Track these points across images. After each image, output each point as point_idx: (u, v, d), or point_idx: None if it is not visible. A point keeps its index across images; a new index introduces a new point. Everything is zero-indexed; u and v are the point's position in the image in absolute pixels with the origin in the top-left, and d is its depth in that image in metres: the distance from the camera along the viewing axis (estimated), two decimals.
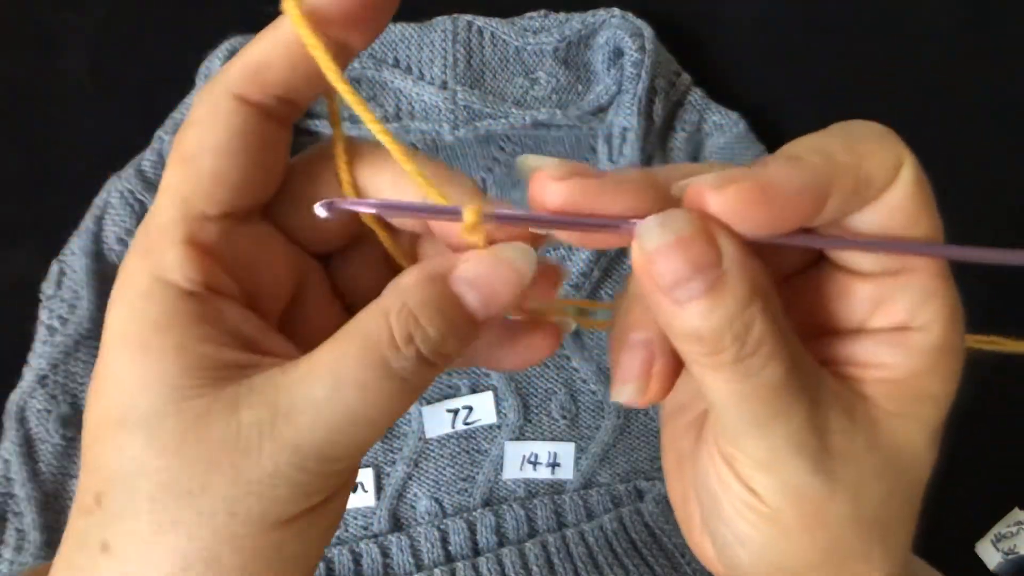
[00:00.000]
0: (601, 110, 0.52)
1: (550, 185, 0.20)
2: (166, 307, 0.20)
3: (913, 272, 0.20)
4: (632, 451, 0.51)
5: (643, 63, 0.50)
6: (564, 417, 0.51)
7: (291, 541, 0.20)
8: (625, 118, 0.50)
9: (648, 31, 0.50)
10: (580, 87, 0.52)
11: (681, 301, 0.19)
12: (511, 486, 0.50)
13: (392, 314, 0.20)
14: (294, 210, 0.23)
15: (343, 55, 0.21)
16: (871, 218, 0.20)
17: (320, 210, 0.21)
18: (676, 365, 0.22)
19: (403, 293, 0.20)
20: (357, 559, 0.48)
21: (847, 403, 0.21)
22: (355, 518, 0.49)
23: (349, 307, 0.25)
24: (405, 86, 0.50)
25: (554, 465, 0.50)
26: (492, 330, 0.24)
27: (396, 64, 0.51)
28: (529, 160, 0.21)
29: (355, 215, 0.23)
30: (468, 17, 0.51)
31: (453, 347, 0.21)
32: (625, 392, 0.22)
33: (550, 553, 0.47)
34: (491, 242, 0.21)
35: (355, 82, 0.51)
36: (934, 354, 0.20)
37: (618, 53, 0.51)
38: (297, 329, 0.24)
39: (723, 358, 0.19)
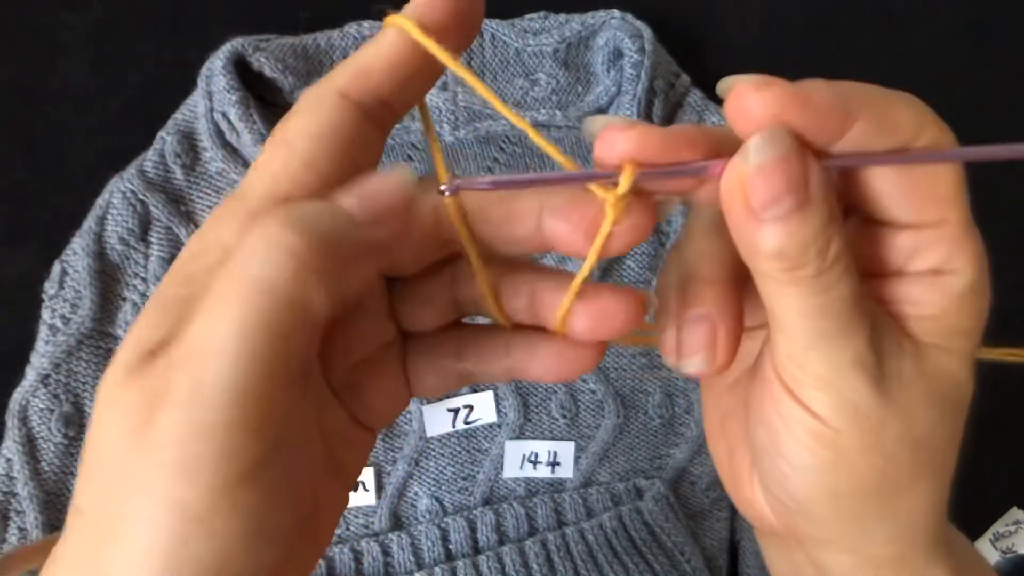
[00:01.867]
0: (601, 111, 0.52)
1: (618, 136, 0.21)
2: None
3: (946, 223, 0.22)
4: (632, 450, 0.52)
5: (642, 64, 0.50)
6: (564, 416, 0.51)
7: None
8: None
9: (647, 32, 0.51)
10: (580, 88, 0.52)
11: (770, 219, 0.20)
12: (511, 485, 0.50)
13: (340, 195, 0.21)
14: None
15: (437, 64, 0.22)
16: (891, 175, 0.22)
17: (445, 191, 0.22)
18: (738, 332, 0.24)
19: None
20: (358, 558, 0.48)
21: (896, 333, 0.22)
22: (356, 517, 0.49)
23: (403, 335, 0.26)
24: None
25: (554, 464, 0.50)
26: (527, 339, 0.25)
27: None
28: (596, 122, 0.22)
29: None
30: None
31: (346, 250, 0.21)
32: (694, 363, 0.24)
33: (550, 551, 0.48)
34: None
35: None
36: (967, 294, 0.22)
37: (618, 54, 0.51)
38: (341, 339, 0.24)
39: (804, 272, 0.21)
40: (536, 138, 0.23)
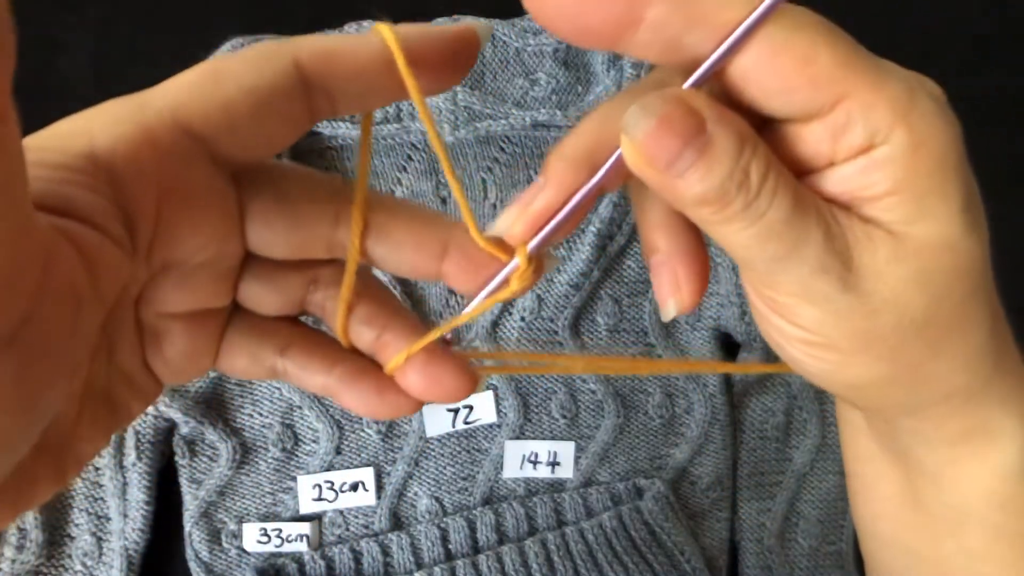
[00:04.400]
0: None
1: (510, 236, 0.22)
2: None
3: (847, 96, 0.20)
4: (632, 450, 0.52)
5: (643, 64, 0.50)
6: (564, 416, 0.51)
7: None
8: None
9: None
10: (580, 88, 0.52)
11: (681, 173, 0.20)
12: (511, 485, 0.50)
13: None
14: (273, 192, 0.23)
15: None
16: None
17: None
18: (698, 266, 0.24)
19: None
20: (358, 558, 0.48)
21: (860, 224, 0.21)
22: (355, 517, 0.49)
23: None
24: None
25: (554, 464, 0.50)
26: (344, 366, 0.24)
27: None
28: (495, 227, 0.23)
29: None
30: (468, 18, 0.51)
31: None
32: (668, 310, 0.24)
33: (550, 551, 0.48)
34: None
35: None
36: (910, 154, 0.20)
37: (618, 54, 0.51)
38: (169, 288, 0.22)
39: (733, 209, 0.20)
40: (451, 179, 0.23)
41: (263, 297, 0.24)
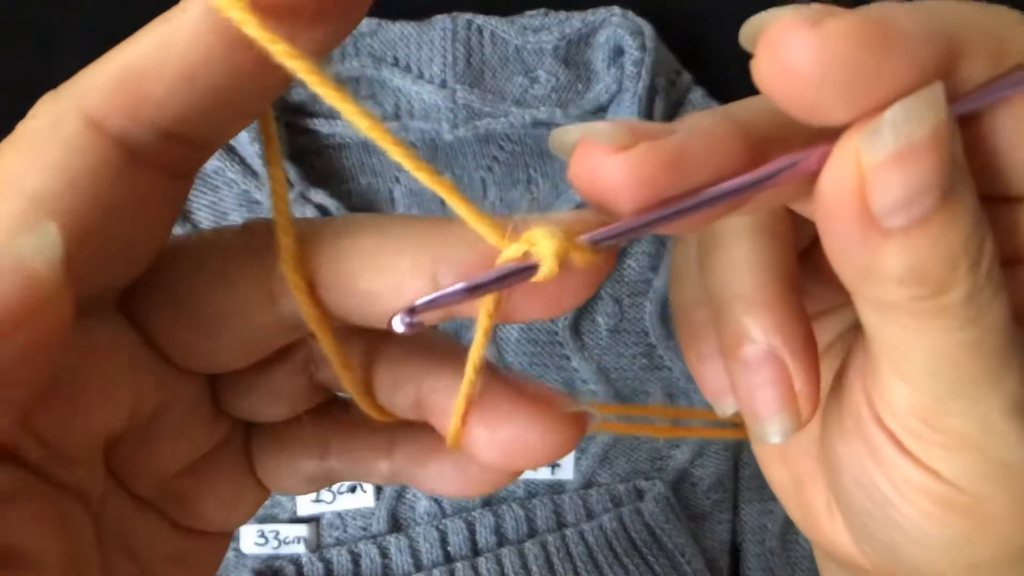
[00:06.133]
0: (601, 109, 0.51)
1: (606, 162, 0.14)
2: None
3: None
4: (632, 451, 0.51)
5: (643, 62, 0.50)
6: None
7: None
8: (626, 117, 0.50)
9: (649, 30, 0.50)
10: (580, 86, 0.52)
11: (900, 226, 0.14)
12: (511, 486, 0.50)
13: None
14: (174, 313, 0.16)
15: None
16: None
17: (401, 326, 0.15)
18: (816, 366, 0.18)
19: None
20: (356, 560, 0.48)
21: None
22: (354, 519, 0.49)
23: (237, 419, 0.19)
24: (404, 85, 0.50)
25: (554, 465, 0.50)
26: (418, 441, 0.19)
27: (395, 63, 0.51)
28: (569, 133, 0.15)
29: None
30: (468, 15, 0.51)
31: None
32: (776, 429, 0.17)
33: (549, 553, 0.47)
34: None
35: (353, 81, 0.50)
36: None
37: (618, 52, 0.51)
38: (139, 459, 0.17)
39: (952, 296, 0.14)
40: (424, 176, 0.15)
41: (260, 407, 0.18)
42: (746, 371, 0.17)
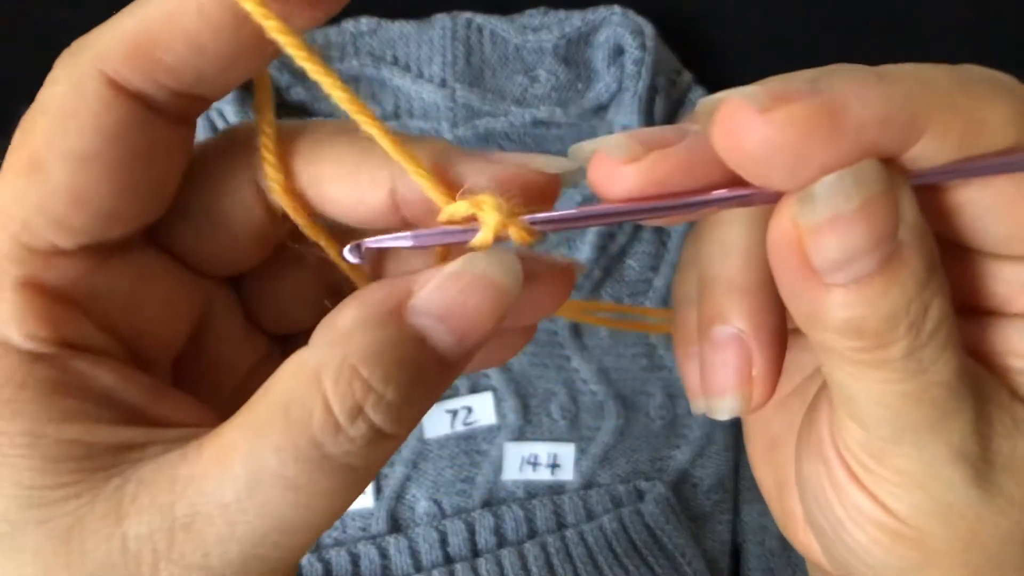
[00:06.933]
0: (602, 108, 0.51)
1: (620, 171, 0.15)
2: (2, 379, 0.14)
3: None
4: (633, 452, 0.51)
5: (644, 61, 0.49)
6: (564, 418, 0.50)
7: None
8: (626, 116, 0.50)
9: (649, 29, 0.50)
10: (580, 85, 0.52)
11: (840, 284, 0.14)
12: (511, 487, 0.50)
13: (328, 379, 0.14)
14: (189, 227, 0.18)
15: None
16: (979, 193, 0.15)
17: (351, 256, 0.17)
18: (779, 357, 0.18)
19: (342, 341, 0.15)
20: (355, 561, 0.48)
21: (1006, 400, 0.17)
22: (353, 520, 0.49)
23: (274, 336, 0.21)
24: (404, 84, 0.50)
25: (554, 466, 0.50)
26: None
27: (395, 62, 0.50)
28: (583, 148, 0.16)
29: (264, 216, 0.18)
30: (467, 14, 0.51)
31: (421, 406, 0.16)
32: (724, 406, 0.18)
33: (549, 554, 0.47)
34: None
35: (353, 81, 0.50)
36: None
37: (619, 51, 0.51)
38: (203, 375, 0.19)
39: (891, 352, 0.15)
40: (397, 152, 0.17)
41: (285, 316, 0.21)
42: (712, 349, 0.18)
